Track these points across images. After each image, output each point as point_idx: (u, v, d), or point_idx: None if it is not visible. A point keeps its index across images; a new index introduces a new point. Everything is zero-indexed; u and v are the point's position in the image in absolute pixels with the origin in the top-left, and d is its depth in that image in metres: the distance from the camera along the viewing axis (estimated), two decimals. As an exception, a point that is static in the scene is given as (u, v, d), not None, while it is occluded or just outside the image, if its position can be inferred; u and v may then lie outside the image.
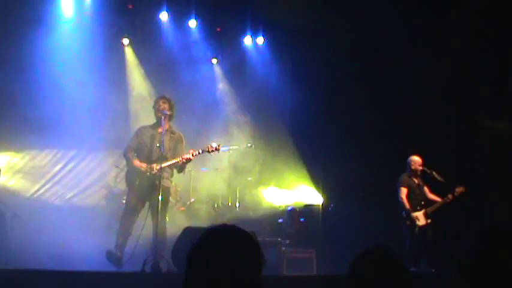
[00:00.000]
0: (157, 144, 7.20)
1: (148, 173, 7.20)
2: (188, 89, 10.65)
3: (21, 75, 8.85)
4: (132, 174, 7.35)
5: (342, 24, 10.30)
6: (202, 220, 8.91)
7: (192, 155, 7.29)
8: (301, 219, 10.02)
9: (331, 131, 10.69)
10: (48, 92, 9.14)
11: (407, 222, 8.73)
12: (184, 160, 7.29)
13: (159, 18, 10.85)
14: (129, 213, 7.22)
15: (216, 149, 7.58)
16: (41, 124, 8.90)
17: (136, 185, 7.24)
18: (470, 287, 1.86)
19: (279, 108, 11.61)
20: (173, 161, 7.29)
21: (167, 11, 10.84)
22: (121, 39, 10.70)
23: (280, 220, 10.14)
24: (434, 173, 8.83)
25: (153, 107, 7.55)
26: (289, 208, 10.41)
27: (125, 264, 6.83)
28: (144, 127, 7.60)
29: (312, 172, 11.01)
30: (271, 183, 10.83)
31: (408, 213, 8.74)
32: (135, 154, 7.39)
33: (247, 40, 11.73)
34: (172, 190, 9.33)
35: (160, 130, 7.33)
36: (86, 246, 7.55)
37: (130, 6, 10.56)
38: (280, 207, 10.71)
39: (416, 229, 8.69)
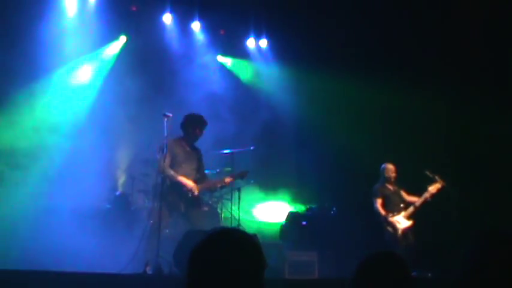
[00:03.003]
0: (195, 166, 7.61)
1: (190, 195, 7.43)
2: (191, 91, 10.67)
3: (20, 77, 8.86)
4: (174, 191, 7.42)
5: (346, 28, 10.32)
6: (205, 222, 8.88)
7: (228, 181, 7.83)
8: (303, 223, 10.01)
9: (333, 135, 10.69)
10: (49, 95, 9.16)
11: (389, 229, 8.84)
12: (225, 184, 7.82)
13: (163, 21, 10.87)
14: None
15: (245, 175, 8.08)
16: (43, 126, 8.91)
17: (177, 203, 7.41)
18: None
19: (281, 111, 11.60)
20: (215, 185, 7.81)
21: (170, 13, 10.86)
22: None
23: (283, 223, 10.12)
24: (437, 177, 8.84)
25: (192, 125, 7.65)
26: (291, 211, 10.40)
27: (126, 266, 6.82)
28: (175, 142, 7.61)
29: (312, 175, 11.01)
30: (273, 187, 10.83)
31: (386, 219, 8.84)
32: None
33: (251, 42, 11.74)
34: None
35: (188, 149, 7.64)
36: (87, 248, 7.55)
37: (133, 8, 10.57)
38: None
39: (399, 232, 8.79)
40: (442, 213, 8.87)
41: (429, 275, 8.25)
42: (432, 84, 10.22)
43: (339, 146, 10.62)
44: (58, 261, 6.64)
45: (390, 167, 9.21)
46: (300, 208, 10.74)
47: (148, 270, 6.51)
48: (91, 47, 10.08)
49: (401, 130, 10.28)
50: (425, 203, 8.91)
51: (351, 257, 8.61)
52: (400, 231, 8.81)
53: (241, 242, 2.12)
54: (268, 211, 11.03)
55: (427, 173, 8.92)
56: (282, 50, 11.65)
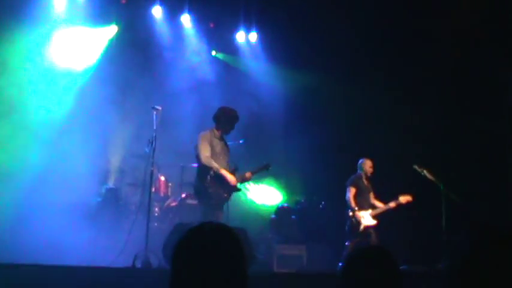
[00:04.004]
0: (228, 158, 7.62)
1: (232, 189, 7.48)
2: (180, 83, 10.64)
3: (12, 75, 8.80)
4: (217, 184, 7.34)
5: (337, 21, 10.32)
6: (194, 216, 8.88)
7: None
8: (292, 216, 10.04)
9: (322, 129, 10.70)
10: (41, 91, 9.10)
11: (353, 220, 8.88)
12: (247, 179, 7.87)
13: (152, 13, 10.81)
14: None
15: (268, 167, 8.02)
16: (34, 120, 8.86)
17: (223, 197, 7.40)
18: (461, 285, 1.87)
19: (270, 105, 11.60)
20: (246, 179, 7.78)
21: (160, 6, 10.80)
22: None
23: (272, 216, 10.15)
24: (425, 171, 8.87)
25: (226, 118, 7.63)
26: (280, 205, 10.42)
27: (115, 259, 6.81)
28: (210, 133, 7.57)
29: (301, 169, 11.02)
30: (262, 180, 10.83)
31: (354, 211, 8.89)
32: None
33: (240, 36, 11.71)
34: (163, 185, 9.34)
35: (222, 141, 7.64)
36: (77, 242, 7.54)
37: (123, 1, 10.51)
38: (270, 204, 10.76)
39: (361, 227, 8.81)
40: (433, 207, 8.91)
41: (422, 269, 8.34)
42: (422, 82, 10.26)
43: (328, 140, 10.63)
44: (47, 255, 6.62)
45: (368, 162, 9.25)
46: (289, 201, 10.77)
47: (137, 264, 6.50)
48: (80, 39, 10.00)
49: (390, 125, 10.31)
50: (389, 210, 9.00)
51: (339, 251, 8.67)
52: (362, 227, 8.83)
53: (224, 237, 2.12)
54: (258, 205, 11.04)
55: (415, 167, 8.95)
56: (271, 44, 11.63)
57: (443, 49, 9.87)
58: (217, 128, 7.63)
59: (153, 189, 8.11)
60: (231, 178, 7.38)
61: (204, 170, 7.35)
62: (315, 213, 10.24)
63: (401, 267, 2.48)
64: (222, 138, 7.66)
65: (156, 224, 8.75)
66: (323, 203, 10.41)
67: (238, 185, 7.61)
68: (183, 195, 9.19)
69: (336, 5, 10.29)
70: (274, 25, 11.36)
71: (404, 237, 9.26)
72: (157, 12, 10.81)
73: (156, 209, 9.06)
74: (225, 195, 7.40)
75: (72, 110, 9.35)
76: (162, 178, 9.36)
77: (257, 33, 11.70)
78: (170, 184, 9.51)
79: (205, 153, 7.34)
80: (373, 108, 10.52)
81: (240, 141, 9.67)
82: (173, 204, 9.18)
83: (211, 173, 7.30)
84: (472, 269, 1.86)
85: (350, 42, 10.52)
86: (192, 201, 9.14)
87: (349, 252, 2.45)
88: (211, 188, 7.28)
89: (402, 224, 9.30)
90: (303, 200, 10.60)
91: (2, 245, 6.98)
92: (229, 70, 11.84)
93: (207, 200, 7.37)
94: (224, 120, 7.62)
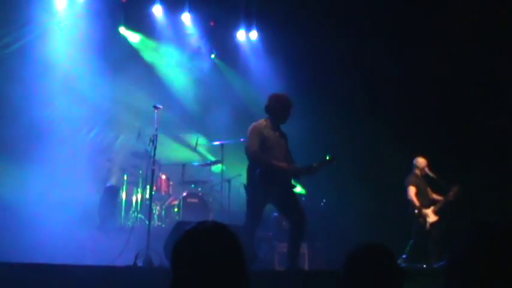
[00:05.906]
0: (284, 151, 6.86)
1: (287, 184, 6.74)
2: (181, 83, 10.66)
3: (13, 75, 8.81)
4: (269, 181, 6.55)
5: (338, 19, 10.33)
6: (195, 214, 8.90)
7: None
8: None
9: (324, 127, 10.70)
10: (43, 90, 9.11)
11: (420, 220, 8.93)
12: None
13: (153, 12, 10.82)
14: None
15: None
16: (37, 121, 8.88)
17: (275, 190, 6.60)
18: (461, 283, 1.87)
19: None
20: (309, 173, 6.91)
21: (160, 5, 10.81)
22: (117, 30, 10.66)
23: (273, 214, 10.16)
24: (435, 174, 8.98)
25: (281, 105, 6.92)
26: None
27: (117, 258, 6.82)
28: (262, 127, 6.80)
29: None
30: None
31: (419, 210, 8.91)
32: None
33: (241, 35, 11.70)
34: (164, 183, 9.36)
35: (276, 133, 6.89)
36: (77, 240, 7.55)
37: (124, 0, 10.53)
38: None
39: (428, 225, 8.90)
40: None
41: (424, 266, 8.38)
42: (422, 81, 10.27)
43: (330, 136, 10.62)
44: (47, 253, 6.63)
45: (423, 160, 9.27)
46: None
47: (139, 262, 6.51)
48: (81, 39, 9.98)
49: (397, 124, 10.31)
50: (448, 202, 8.99)
51: (340, 249, 8.67)
52: (428, 225, 8.90)
53: (222, 235, 2.13)
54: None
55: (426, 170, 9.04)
56: (272, 42, 11.62)
57: (443, 49, 9.89)
58: (271, 118, 6.94)
59: (154, 188, 8.12)
60: (283, 165, 6.64)
61: (252, 166, 6.68)
62: (316, 211, 10.24)
63: (402, 266, 2.49)
64: (276, 129, 6.92)
65: (157, 223, 8.77)
66: (324, 200, 10.41)
67: (293, 181, 6.88)
68: (184, 194, 9.20)
69: (339, 2, 10.30)
70: (275, 23, 11.35)
71: (406, 235, 9.26)
72: (157, 11, 10.82)
73: (157, 208, 9.08)
74: (277, 192, 6.65)
75: (74, 109, 9.37)
76: (163, 176, 9.37)
77: (257, 31, 11.70)
78: (171, 183, 9.52)
79: (252, 147, 6.63)
80: (380, 107, 10.51)
81: (241, 140, 9.70)
82: (174, 202, 9.19)
83: (260, 169, 6.58)
84: (473, 267, 1.86)
85: (353, 41, 10.53)
86: (193, 200, 9.16)
87: (350, 251, 2.45)
88: (260, 186, 6.57)
89: (404, 223, 9.29)
90: (304, 198, 10.59)
91: (3, 244, 7.00)
92: (231, 69, 11.84)
93: (252, 199, 6.69)
94: (277, 109, 6.93)
